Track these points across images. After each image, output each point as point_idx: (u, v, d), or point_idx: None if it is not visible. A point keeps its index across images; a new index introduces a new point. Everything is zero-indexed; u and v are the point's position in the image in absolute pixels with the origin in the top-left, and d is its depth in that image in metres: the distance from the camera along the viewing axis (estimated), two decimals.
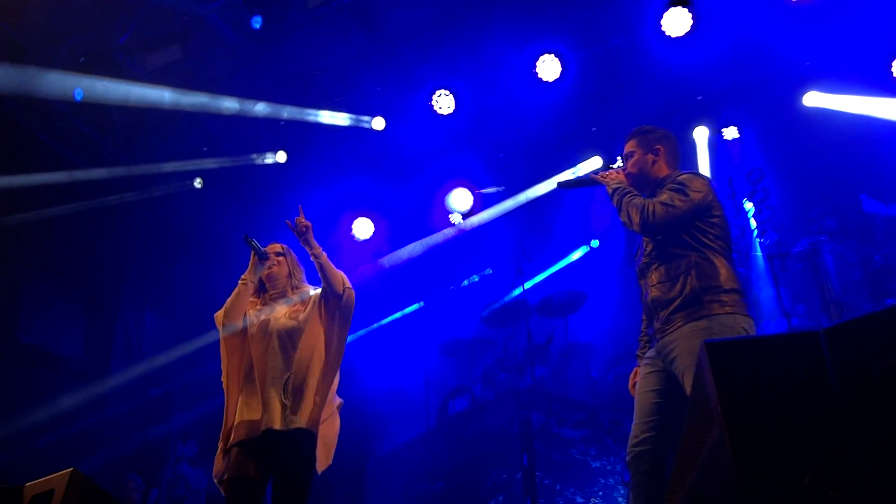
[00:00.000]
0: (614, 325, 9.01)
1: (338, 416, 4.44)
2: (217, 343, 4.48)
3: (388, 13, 7.71)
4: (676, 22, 7.31)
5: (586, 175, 4.53)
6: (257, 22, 7.29)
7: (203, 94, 8.03)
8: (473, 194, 9.67)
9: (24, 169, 7.97)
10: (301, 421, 4.10)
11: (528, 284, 8.14)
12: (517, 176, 9.59)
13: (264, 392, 4.14)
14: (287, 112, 8.43)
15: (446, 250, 9.94)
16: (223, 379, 4.37)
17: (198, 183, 9.26)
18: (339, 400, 4.45)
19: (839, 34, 7.63)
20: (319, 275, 4.44)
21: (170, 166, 8.97)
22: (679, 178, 3.96)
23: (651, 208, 3.84)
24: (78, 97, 7.66)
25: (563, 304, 8.87)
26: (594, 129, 9.05)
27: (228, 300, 4.43)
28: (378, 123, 8.62)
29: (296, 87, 8.41)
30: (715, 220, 3.90)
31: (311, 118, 8.49)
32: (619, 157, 4.37)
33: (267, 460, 4.10)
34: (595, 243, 9.95)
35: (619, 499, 6.74)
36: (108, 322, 9.34)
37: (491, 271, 9.91)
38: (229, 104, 8.18)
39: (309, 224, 4.49)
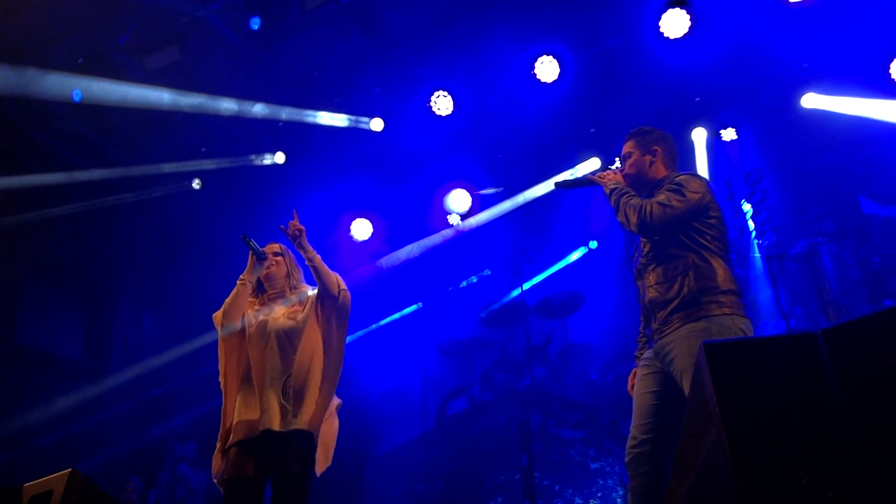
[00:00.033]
0: (613, 326, 9.01)
1: (336, 417, 4.44)
2: (215, 343, 4.49)
3: (386, 14, 7.71)
4: (675, 23, 7.31)
5: (584, 176, 4.53)
6: (256, 23, 7.29)
7: (202, 95, 8.03)
8: (472, 195, 9.68)
9: (23, 170, 7.96)
10: (301, 422, 4.11)
11: (526, 285, 8.14)
12: (516, 177, 9.59)
13: (262, 392, 4.14)
14: (286, 113, 8.43)
15: (445, 251, 9.94)
16: (221, 379, 4.37)
17: (196, 184, 9.26)
18: (337, 400, 4.45)
19: (837, 36, 7.63)
20: (314, 277, 4.46)
21: (168, 167, 8.97)
22: (677, 178, 3.96)
23: (648, 208, 3.84)
24: (76, 98, 7.65)
25: (562, 305, 8.87)
26: (593, 130, 9.06)
27: (227, 300, 4.43)
28: (377, 124, 8.62)
29: (294, 88, 8.42)
30: (712, 221, 3.90)
31: (310, 119, 8.49)
32: (617, 158, 4.37)
33: (266, 460, 4.10)
34: (593, 244, 9.94)
35: (618, 500, 6.74)
36: (106, 323, 9.33)
37: (489, 272, 9.91)
38: (228, 105, 8.18)
39: (302, 228, 4.50)
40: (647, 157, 4.18)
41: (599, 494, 6.84)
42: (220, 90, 8.13)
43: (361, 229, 9.87)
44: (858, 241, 7.93)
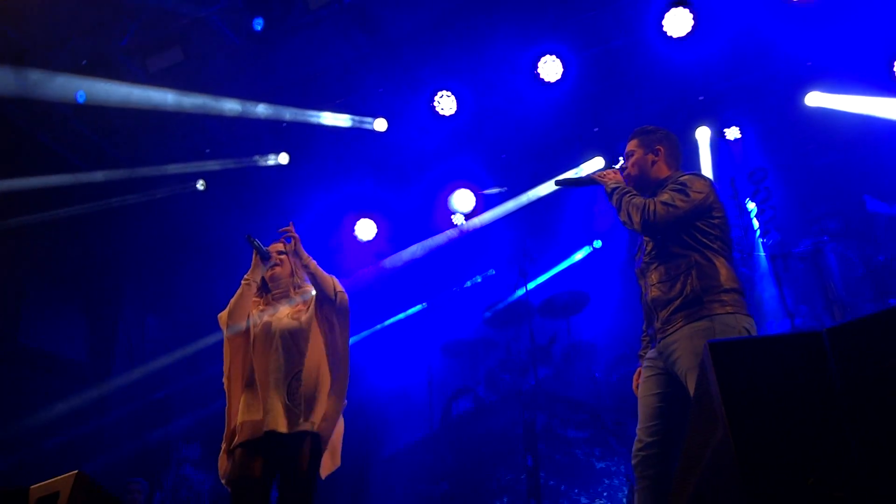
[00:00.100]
0: (617, 325, 8.99)
1: (342, 418, 4.44)
2: (219, 345, 4.50)
3: (389, 14, 7.70)
4: (678, 22, 7.31)
5: (585, 175, 4.53)
6: (259, 24, 7.28)
7: (205, 95, 8.03)
8: (476, 195, 9.68)
9: (26, 172, 7.97)
10: (309, 424, 4.11)
11: (530, 285, 8.13)
12: (519, 177, 9.59)
13: (266, 393, 4.14)
14: (289, 114, 8.43)
15: (449, 251, 9.94)
16: (224, 380, 4.38)
17: (200, 185, 9.27)
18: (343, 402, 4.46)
19: (841, 34, 7.62)
20: (311, 282, 4.47)
21: (172, 168, 8.97)
22: (681, 178, 3.96)
23: (652, 208, 3.84)
24: (80, 100, 7.66)
25: (566, 304, 8.86)
26: (596, 129, 9.05)
27: (232, 301, 4.44)
28: (380, 125, 8.62)
29: (297, 89, 8.41)
30: (716, 221, 3.90)
31: (314, 120, 8.49)
32: (621, 158, 4.37)
33: (271, 461, 4.11)
34: (598, 244, 9.94)
35: (624, 499, 6.73)
36: (110, 324, 9.33)
37: (493, 272, 9.90)
38: (231, 106, 8.18)
39: (297, 237, 4.55)
40: (650, 156, 4.18)
41: (605, 494, 6.83)
42: (223, 91, 8.13)
43: (365, 230, 9.88)
44: (863, 240, 7.91)
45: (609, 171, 4.26)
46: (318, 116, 8.47)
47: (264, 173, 9.41)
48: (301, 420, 4.10)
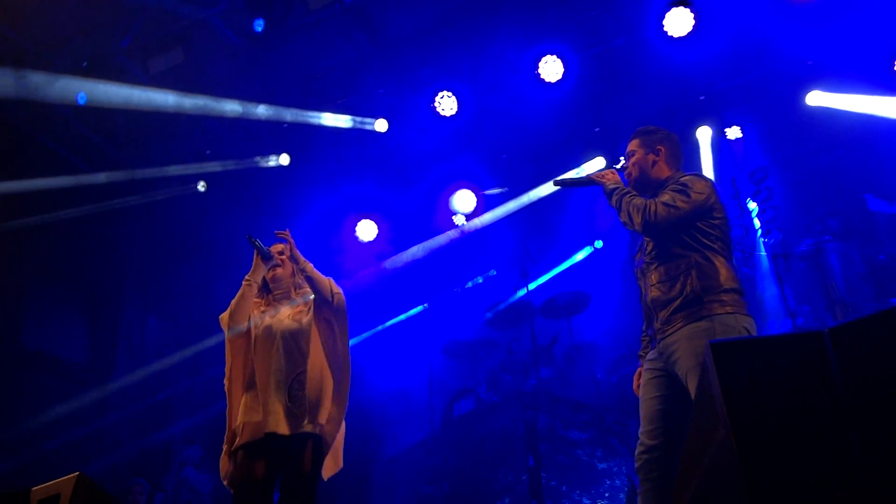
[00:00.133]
0: (619, 325, 8.99)
1: (343, 420, 4.44)
2: (220, 346, 4.49)
3: (390, 15, 7.71)
4: (678, 22, 7.31)
5: (584, 175, 4.53)
6: (259, 25, 7.29)
7: (205, 97, 8.03)
8: (477, 196, 9.67)
9: (27, 173, 7.98)
10: (311, 426, 4.11)
11: (531, 286, 8.13)
12: (520, 177, 9.59)
13: (267, 395, 4.14)
14: (290, 115, 8.43)
15: (450, 252, 9.94)
16: (226, 381, 4.37)
17: (201, 186, 9.27)
18: None
19: (841, 33, 7.62)
20: (308, 285, 4.47)
21: (173, 170, 8.97)
22: (682, 179, 3.96)
23: (653, 208, 3.83)
24: (82, 101, 7.66)
25: (567, 305, 8.86)
26: (597, 129, 9.05)
27: (233, 301, 4.44)
28: (381, 125, 8.62)
29: (298, 90, 8.42)
30: (716, 221, 3.89)
31: (314, 121, 8.49)
32: (622, 158, 4.37)
33: (273, 463, 4.11)
34: (599, 244, 9.93)
35: (624, 499, 6.72)
36: (111, 326, 9.33)
37: (495, 273, 9.90)
38: (232, 107, 8.18)
39: (292, 241, 4.57)
40: (651, 156, 4.18)
41: (607, 495, 6.82)
42: (223, 92, 8.13)
43: (367, 230, 9.88)
44: (865, 239, 7.91)
45: (608, 171, 4.26)
46: (319, 117, 8.47)
47: (265, 174, 9.41)
48: (303, 422, 4.10)
